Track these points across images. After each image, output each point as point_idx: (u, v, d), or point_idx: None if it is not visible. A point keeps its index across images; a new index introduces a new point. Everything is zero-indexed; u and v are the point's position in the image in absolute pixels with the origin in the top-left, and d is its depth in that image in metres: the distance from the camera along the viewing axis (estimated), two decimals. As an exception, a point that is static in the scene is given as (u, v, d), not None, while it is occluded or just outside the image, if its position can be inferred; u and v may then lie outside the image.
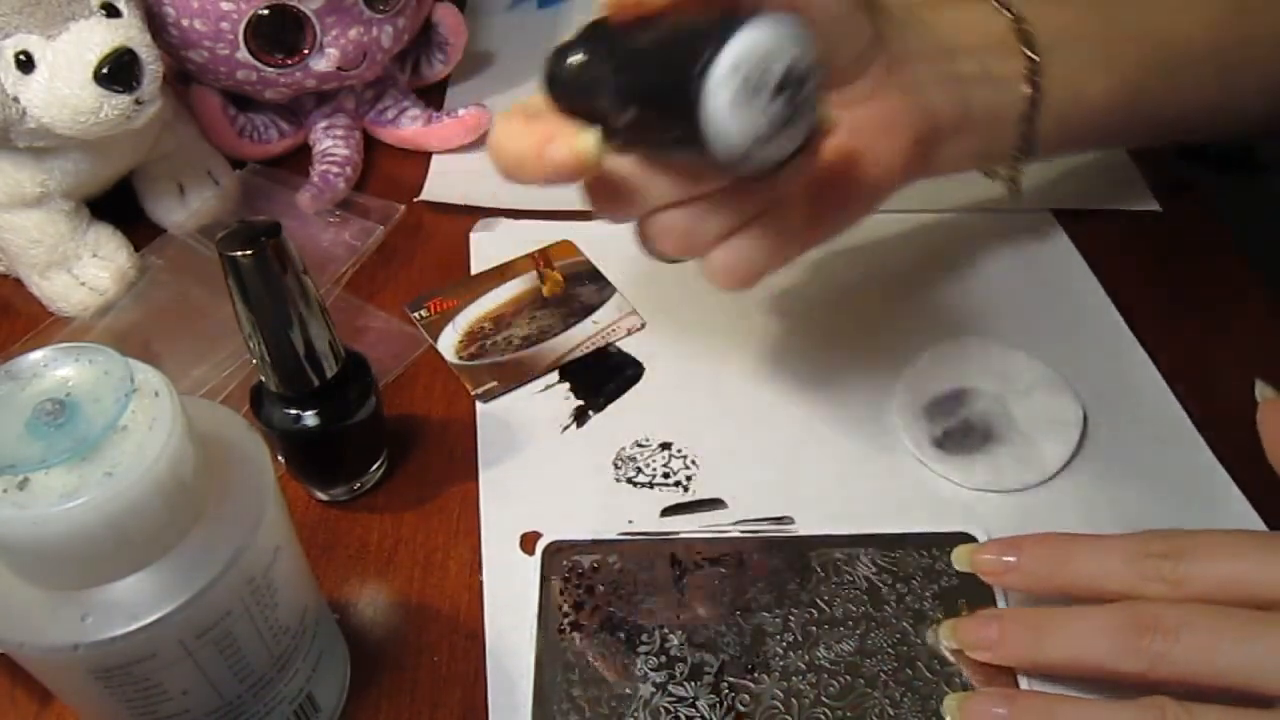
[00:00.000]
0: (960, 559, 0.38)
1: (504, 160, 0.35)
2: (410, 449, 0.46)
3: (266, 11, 0.54)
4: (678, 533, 0.42)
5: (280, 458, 0.42)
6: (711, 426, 0.46)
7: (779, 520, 0.42)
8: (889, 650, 0.37)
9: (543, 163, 0.33)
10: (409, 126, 0.61)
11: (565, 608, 0.39)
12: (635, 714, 0.36)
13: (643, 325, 0.51)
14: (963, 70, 0.41)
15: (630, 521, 0.42)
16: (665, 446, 0.45)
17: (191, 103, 0.58)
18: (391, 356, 0.50)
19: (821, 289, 0.52)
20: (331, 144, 0.59)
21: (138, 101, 0.47)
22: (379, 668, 0.39)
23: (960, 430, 0.44)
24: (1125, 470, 0.43)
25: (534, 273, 0.53)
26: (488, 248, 0.55)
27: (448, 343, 0.50)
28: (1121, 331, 0.49)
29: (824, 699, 0.36)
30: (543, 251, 0.55)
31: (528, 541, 0.42)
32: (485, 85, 0.67)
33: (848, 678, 0.37)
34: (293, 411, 0.40)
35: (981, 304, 0.51)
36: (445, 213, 0.57)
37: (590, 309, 0.51)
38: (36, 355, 0.28)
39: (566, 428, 0.46)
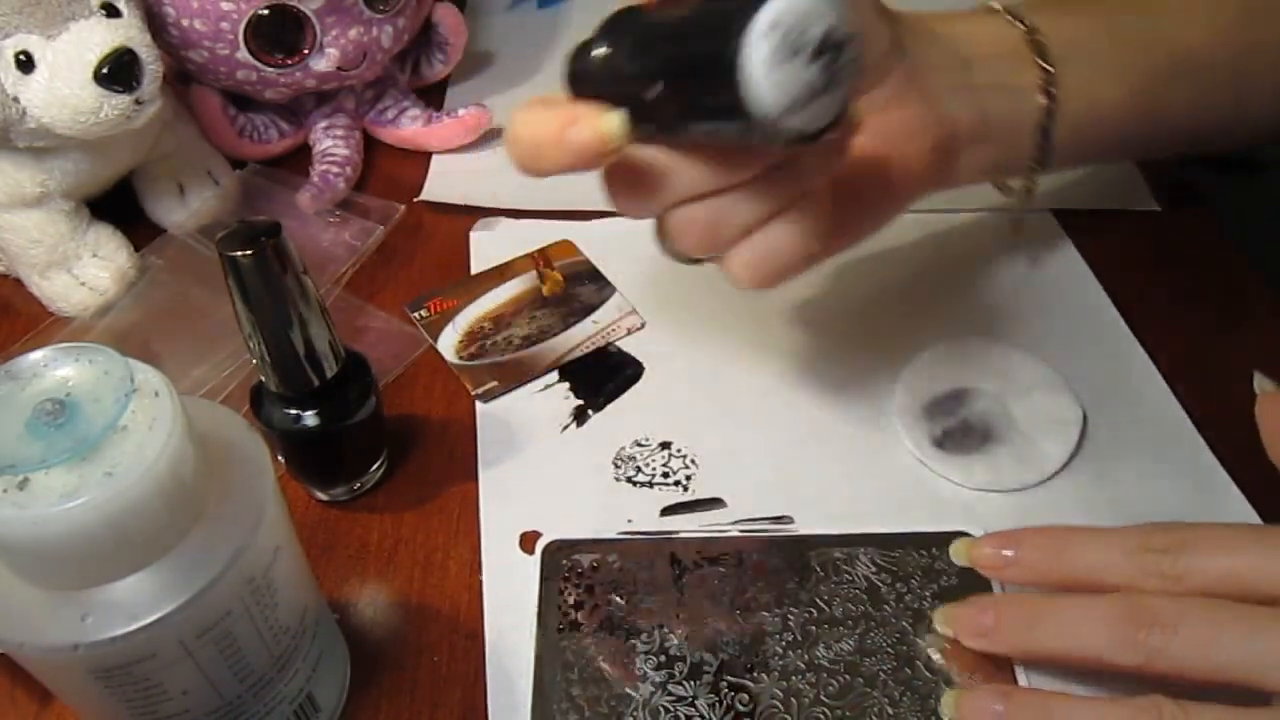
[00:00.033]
0: (959, 553, 0.38)
1: (522, 147, 0.34)
2: (410, 449, 0.46)
3: (266, 11, 0.54)
4: (677, 532, 0.42)
5: (280, 458, 0.42)
6: (711, 426, 0.46)
7: (778, 520, 0.42)
8: (888, 650, 0.37)
9: (564, 146, 0.32)
10: (409, 126, 0.61)
11: (565, 607, 0.39)
12: (635, 713, 0.36)
13: (643, 325, 0.51)
14: (979, 80, 0.42)
15: (630, 521, 0.42)
16: (665, 446, 0.45)
17: (191, 103, 0.58)
18: (391, 356, 0.50)
19: (821, 289, 0.52)
20: (331, 144, 0.59)
21: (138, 101, 0.47)
22: (379, 668, 0.39)
23: (960, 430, 0.44)
24: (1125, 470, 0.43)
25: (534, 272, 0.53)
26: (488, 247, 0.55)
27: (448, 343, 0.50)
28: (1121, 331, 0.49)
29: (823, 698, 0.36)
30: (542, 251, 0.55)
31: (527, 541, 0.42)
32: (485, 85, 0.67)
33: (847, 677, 0.37)
34: (293, 411, 0.40)
35: (981, 304, 0.51)
36: (445, 213, 0.57)
37: (590, 309, 0.51)
38: (36, 355, 0.28)
39: (566, 427, 0.46)
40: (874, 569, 0.40)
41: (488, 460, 0.45)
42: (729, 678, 0.37)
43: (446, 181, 0.59)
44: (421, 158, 0.61)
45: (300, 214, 0.56)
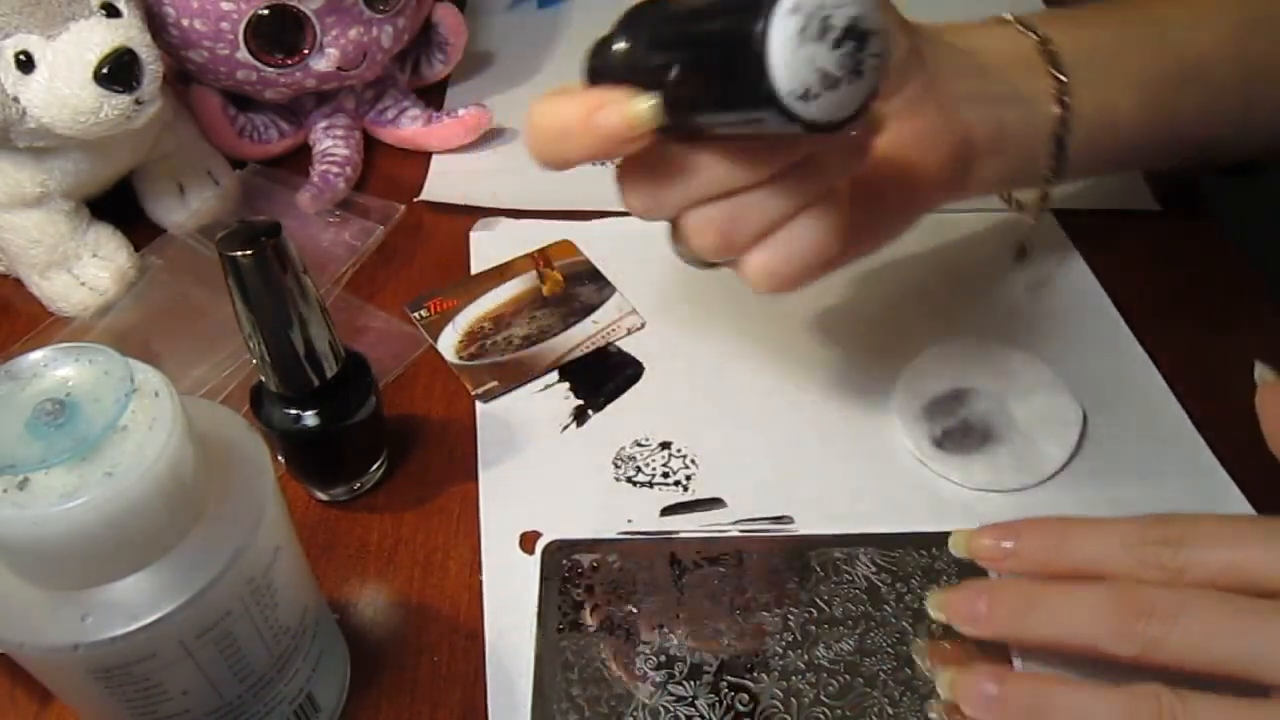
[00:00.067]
0: (957, 544, 0.37)
1: (544, 136, 0.33)
2: (410, 449, 0.46)
3: (266, 11, 0.54)
4: (677, 532, 0.42)
5: (280, 458, 0.42)
6: (711, 426, 0.46)
7: (778, 520, 0.42)
8: (888, 649, 0.37)
9: (591, 131, 0.32)
10: (409, 126, 0.61)
11: (565, 607, 0.39)
12: (635, 713, 0.36)
13: (643, 325, 0.51)
14: (994, 90, 0.42)
15: (630, 521, 0.42)
16: (665, 446, 0.45)
17: (191, 103, 0.58)
18: (391, 356, 0.50)
19: (821, 289, 0.51)
20: (331, 144, 0.59)
21: (138, 101, 0.47)
22: (379, 668, 0.39)
23: (960, 430, 0.44)
24: (1125, 470, 0.43)
25: (534, 272, 0.53)
26: (488, 247, 0.55)
27: (448, 343, 0.50)
28: (1121, 331, 0.49)
29: (823, 698, 0.36)
30: (542, 251, 0.55)
31: (527, 541, 0.42)
32: (485, 85, 0.67)
33: (847, 677, 0.37)
34: (293, 411, 0.40)
35: (981, 304, 0.51)
36: (445, 213, 0.57)
37: (590, 309, 0.51)
38: (36, 355, 0.28)
39: (566, 427, 0.46)
40: (874, 569, 0.40)
41: (488, 460, 0.45)
42: (729, 678, 0.37)
43: (446, 181, 0.59)
44: (421, 158, 0.61)
45: (300, 214, 0.56)
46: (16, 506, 0.25)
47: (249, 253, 0.35)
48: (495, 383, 0.48)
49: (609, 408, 0.47)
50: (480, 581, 0.41)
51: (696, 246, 0.36)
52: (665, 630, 0.38)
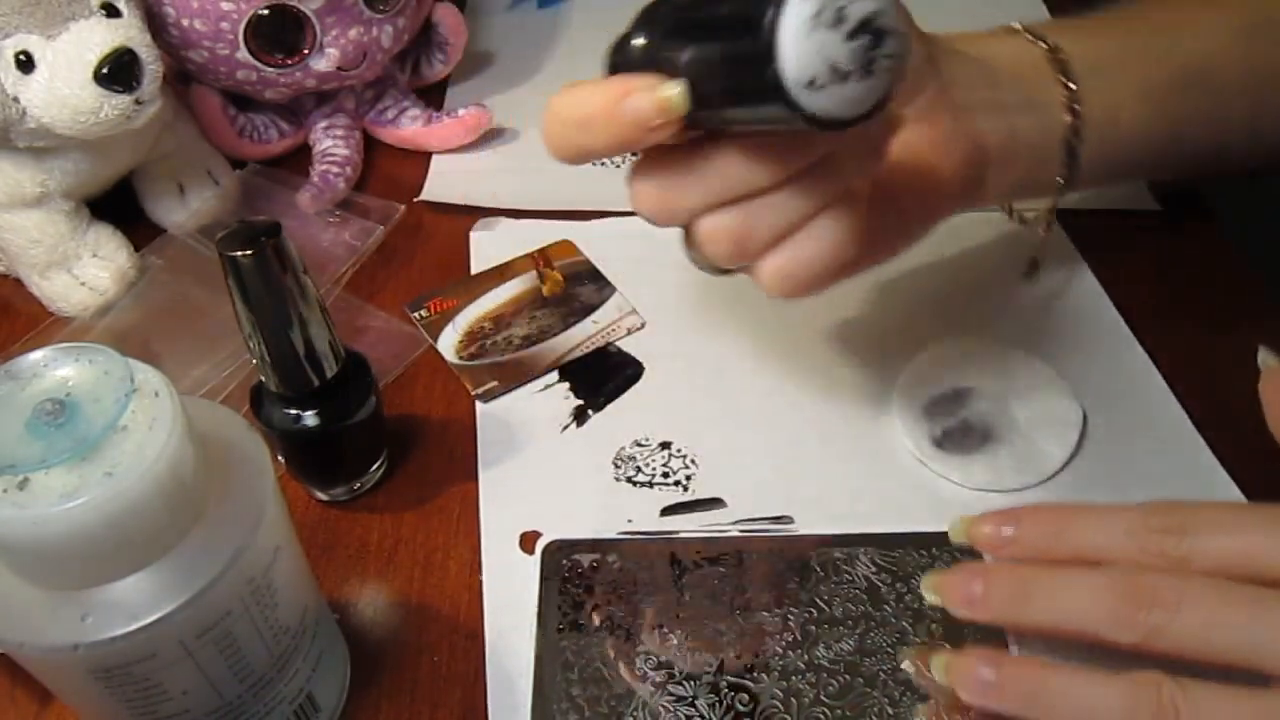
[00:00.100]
0: (957, 531, 0.36)
1: (564, 126, 0.33)
2: (410, 449, 0.46)
3: (266, 11, 0.54)
4: (677, 532, 0.42)
5: (280, 458, 0.42)
6: (711, 426, 0.46)
7: (778, 520, 0.42)
8: (888, 649, 0.37)
9: (617, 119, 0.31)
10: (409, 126, 0.61)
11: (565, 607, 0.39)
12: (635, 713, 0.36)
13: (643, 325, 0.51)
14: (1006, 98, 0.42)
15: (630, 521, 0.42)
16: (665, 446, 0.45)
17: (191, 103, 0.58)
18: (391, 356, 0.50)
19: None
20: (331, 144, 0.59)
21: (138, 101, 0.47)
22: (379, 668, 0.39)
23: (960, 430, 0.44)
24: (1125, 470, 0.43)
25: (534, 272, 0.53)
26: (488, 247, 0.55)
27: (448, 343, 0.50)
28: (1121, 331, 0.49)
29: (823, 698, 0.36)
30: (542, 251, 0.55)
31: (527, 541, 0.42)
32: (485, 85, 0.67)
33: (847, 677, 0.37)
34: (293, 411, 0.40)
35: (981, 304, 0.51)
36: (445, 213, 0.57)
37: (590, 309, 0.51)
38: (36, 355, 0.28)
39: (566, 427, 0.46)
40: (874, 569, 0.40)
41: (488, 460, 0.45)
42: (729, 678, 0.37)
43: (446, 181, 0.59)
44: (421, 158, 0.61)
45: (300, 214, 0.56)
46: (16, 506, 0.25)
47: (249, 253, 0.35)
48: (495, 383, 0.48)
49: (609, 408, 0.47)
50: (480, 581, 0.41)
51: (711, 252, 0.35)
52: (665, 630, 0.38)
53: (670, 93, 0.30)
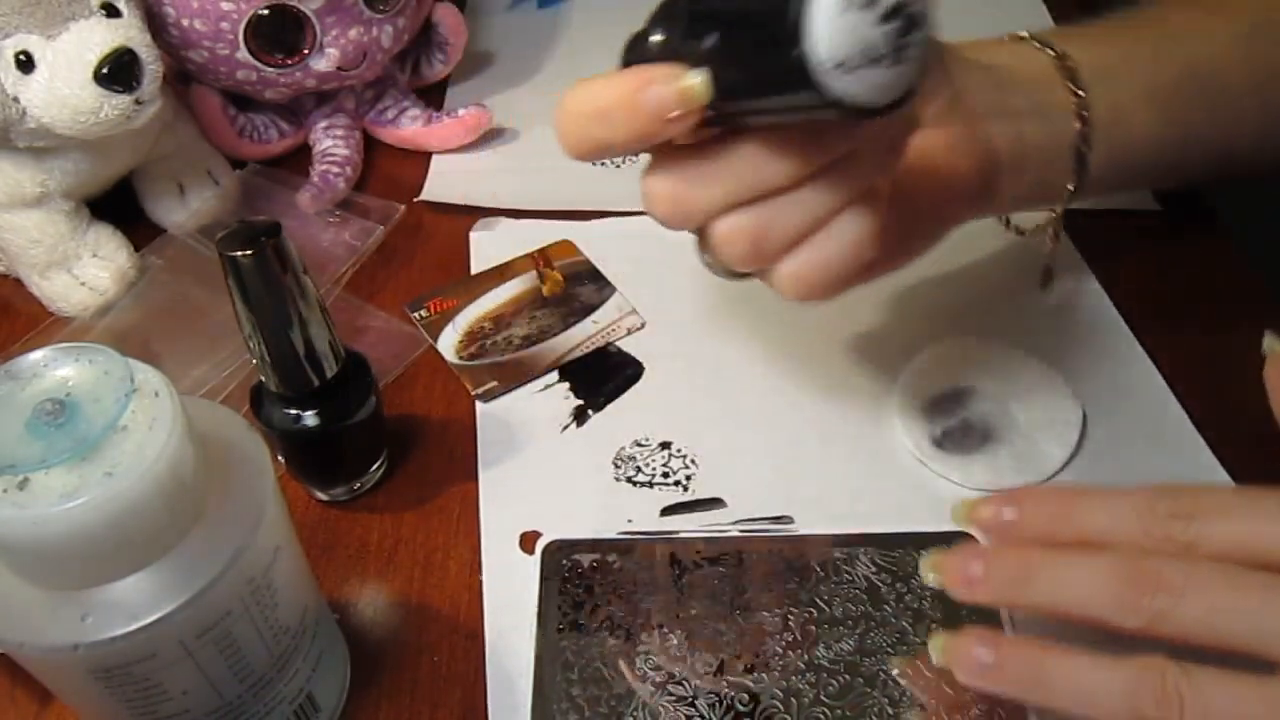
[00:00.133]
0: (958, 515, 0.35)
1: (580, 120, 0.32)
2: (410, 449, 0.46)
3: (266, 11, 0.54)
4: (677, 532, 0.42)
5: (280, 458, 0.42)
6: (711, 426, 0.46)
7: (778, 520, 0.42)
8: (888, 649, 0.37)
9: (636, 111, 0.30)
10: (409, 126, 0.61)
11: (565, 607, 0.39)
12: (635, 713, 0.36)
13: (643, 325, 0.51)
14: (1015, 105, 0.42)
15: (630, 521, 0.42)
16: (665, 446, 0.45)
17: (191, 103, 0.58)
18: (391, 356, 0.50)
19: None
20: (331, 144, 0.59)
21: (138, 101, 0.47)
22: (379, 668, 0.39)
23: (960, 430, 0.44)
24: (1125, 470, 0.43)
25: (534, 272, 0.53)
26: (488, 247, 0.55)
27: (448, 343, 0.50)
28: (1122, 331, 0.49)
29: (823, 698, 0.36)
30: (542, 251, 0.55)
31: (527, 541, 0.42)
32: (485, 85, 0.67)
33: (847, 677, 0.37)
34: (293, 411, 0.40)
35: (981, 304, 0.51)
36: (445, 213, 0.57)
37: (590, 309, 0.51)
38: (36, 355, 0.28)
39: (566, 427, 0.46)
40: (874, 569, 0.40)
41: (488, 460, 0.45)
42: (729, 678, 0.37)
43: (446, 181, 0.59)
44: (421, 158, 0.61)
45: (300, 214, 0.56)
46: (16, 506, 0.25)
47: (249, 253, 0.35)
48: (495, 383, 0.48)
49: (609, 408, 0.47)
50: (480, 581, 0.41)
51: (728, 255, 0.34)
52: (665, 630, 0.38)
53: (692, 81, 0.30)
